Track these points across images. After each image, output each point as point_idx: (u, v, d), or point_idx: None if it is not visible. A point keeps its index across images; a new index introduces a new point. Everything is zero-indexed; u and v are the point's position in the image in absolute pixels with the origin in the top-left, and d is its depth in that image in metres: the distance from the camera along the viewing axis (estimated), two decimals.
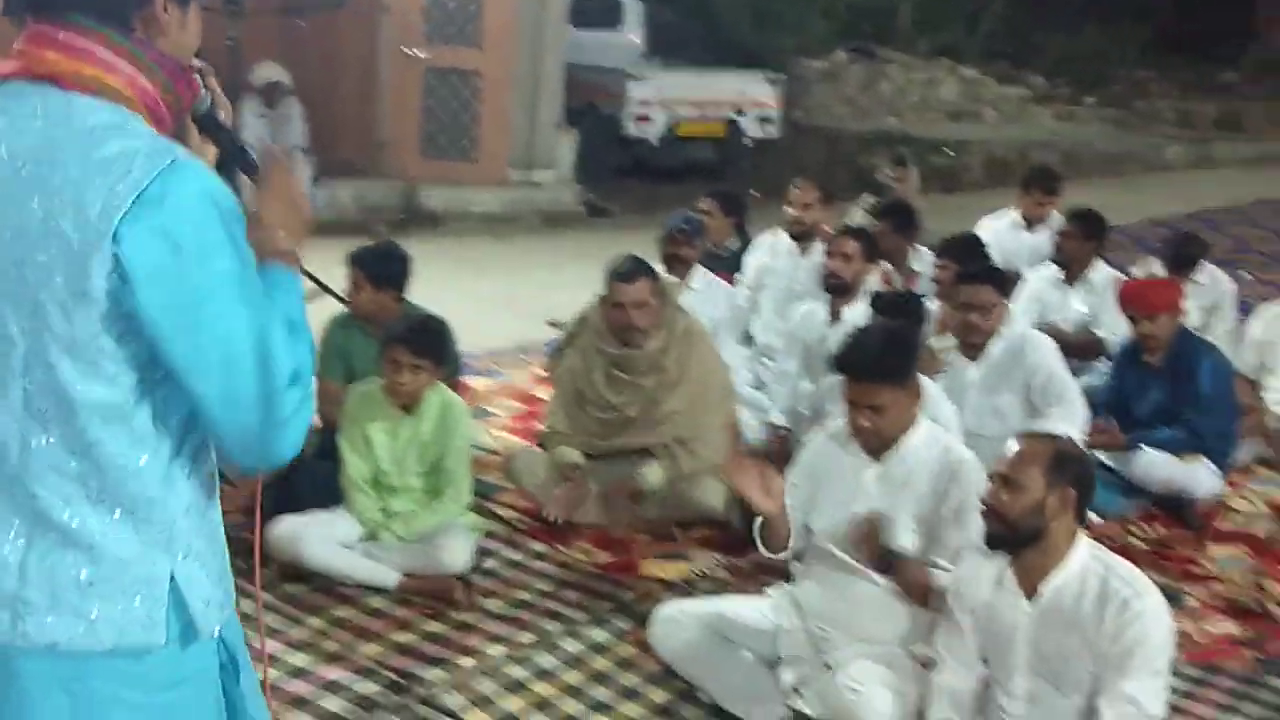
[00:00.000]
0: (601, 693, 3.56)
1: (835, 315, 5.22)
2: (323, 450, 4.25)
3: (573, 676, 3.63)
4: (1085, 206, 6.30)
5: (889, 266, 5.78)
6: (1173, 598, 2.93)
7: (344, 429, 4.16)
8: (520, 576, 4.26)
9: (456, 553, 4.07)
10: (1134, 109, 18.94)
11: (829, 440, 3.59)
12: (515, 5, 10.72)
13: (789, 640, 3.47)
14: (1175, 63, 20.18)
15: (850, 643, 3.38)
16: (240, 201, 1.67)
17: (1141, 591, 2.83)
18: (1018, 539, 2.89)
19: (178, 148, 1.63)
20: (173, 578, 1.66)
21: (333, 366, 4.55)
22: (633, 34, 14.11)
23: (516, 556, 4.41)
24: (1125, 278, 5.85)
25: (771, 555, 3.56)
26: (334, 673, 3.53)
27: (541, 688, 3.56)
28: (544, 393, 5.65)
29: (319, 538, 4.02)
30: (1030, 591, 2.92)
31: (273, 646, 3.57)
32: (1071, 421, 4.56)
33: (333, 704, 3.38)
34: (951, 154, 14.64)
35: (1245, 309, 6.61)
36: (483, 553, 4.32)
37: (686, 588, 4.19)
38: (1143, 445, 4.93)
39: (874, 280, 5.39)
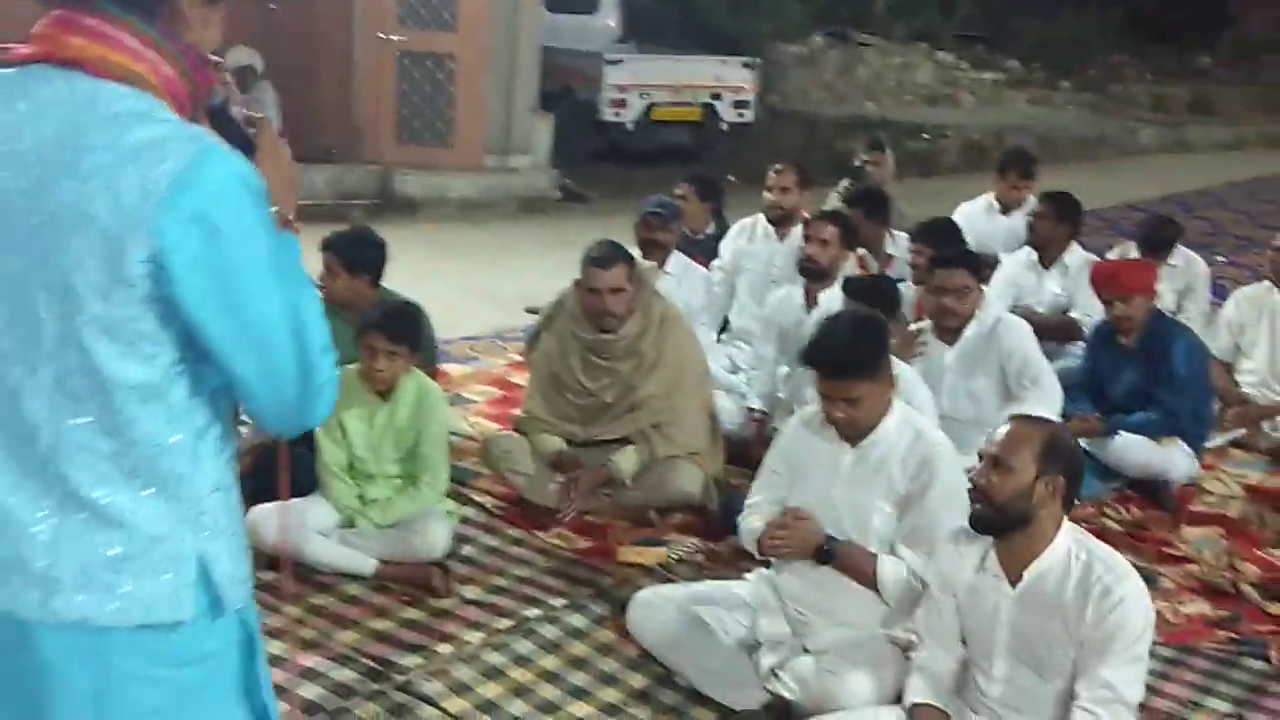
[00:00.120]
0: (580, 678, 3.56)
1: (812, 300, 5.21)
2: (300, 437, 4.23)
3: (551, 662, 3.63)
4: (1059, 190, 6.31)
5: (864, 251, 5.78)
6: (1148, 579, 2.94)
7: None
8: (498, 562, 4.26)
9: (434, 539, 4.06)
10: (1109, 93, 19.04)
11: (803, 427, 3.59)
12: None
13: (767, 624, 3.48)
14: (1150, 47, 20.27)
15: (829, 627, 3.39)
16: None
17: (1124, 578, 2.83)
18: (1004, 522, 2.89)
19: (206, 132, 1.65)
20: (200, 555, 1.70)
21: None
22: (609, 18, 14.07)
23: (494, 543, 4.40)
24: (1100, 261, 5.87)
25: (758, 556, 3.58)
26: (311, 660, 3.52)
27: (519, 673, 3.56)
28: (521, 379, 5.64)
29: (296, 525, 4.00)
30: (1013, 576, 2.92)
31: None
32: (1046, 405, 4.57)
33: (310, 691, 3.37)
34: (928, 138, 14.67)
35: (1218, 292, 6.66)
36: (460, 539, 4.31)
37: (664, 573, 4.20)
38: (1119, 430, 4.96)
39: (850, 265, 5.39)
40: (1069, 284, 5.94)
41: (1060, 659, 2.87)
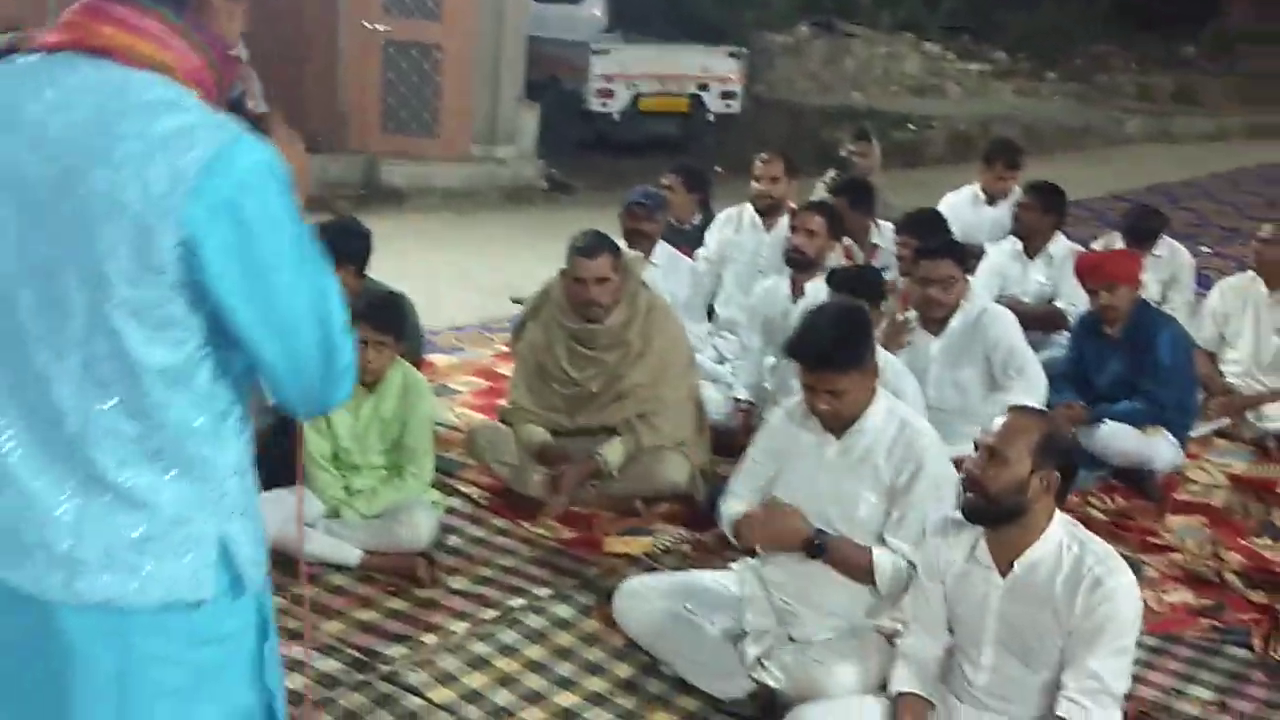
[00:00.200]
0: (565, 668, 3.56)
1: (798, 290, 5.21)
2: (282, 427, 4.21)
3: (536, 652, 3.63)
4: (1043, 180, 6.32)
5: (850, 242, 5.78)
6: (1132, 568, 2.94)
7: None
8: (483, 553, 4.25)
9: (419, 529, 4.05)
10: (1095, 83, 19.06)
11: (787, 418, 3.58)
12: None
13: (753, 614, 3.48)
14: (1136, 37, 20.30)
15: (814, 617, 3.39)
16: None
17: (1116, 570, 2.84)
18: (996, 514, 2.89)
19: (234, 121, 1.67)
20: (221, 536, 1.72)
21: None
22: (595, 7, 14.03)
23: (479, 533, 4.39)
24: (1085, 251, 5.88)
25: (739, 546, 3.58)
26: (296, 650, 3.51)
27: (505, 663, 3.56)
28: (507, 369, 5.62)
29: (279, 516, 3.98)
30: (1004, 566, 2.92)
31: None
32: (1031, 395, 4.58)
33: (295, 681, 3.35)
34: (914, 129, 14.68)
35: (1203, 282, 6.68)
36: (445, 529, 4.31)
37: (650, 563, 4.20)
38: (1104, 419, 4.97)
39: (836, 256, 5.39)
40: (1054, 274, 5.95)
41: (1048, 650, 2.87)
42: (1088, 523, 4.28)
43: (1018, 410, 3.02)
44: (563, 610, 3.87)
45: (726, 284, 6.20)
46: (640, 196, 5.76)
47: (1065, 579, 2.84)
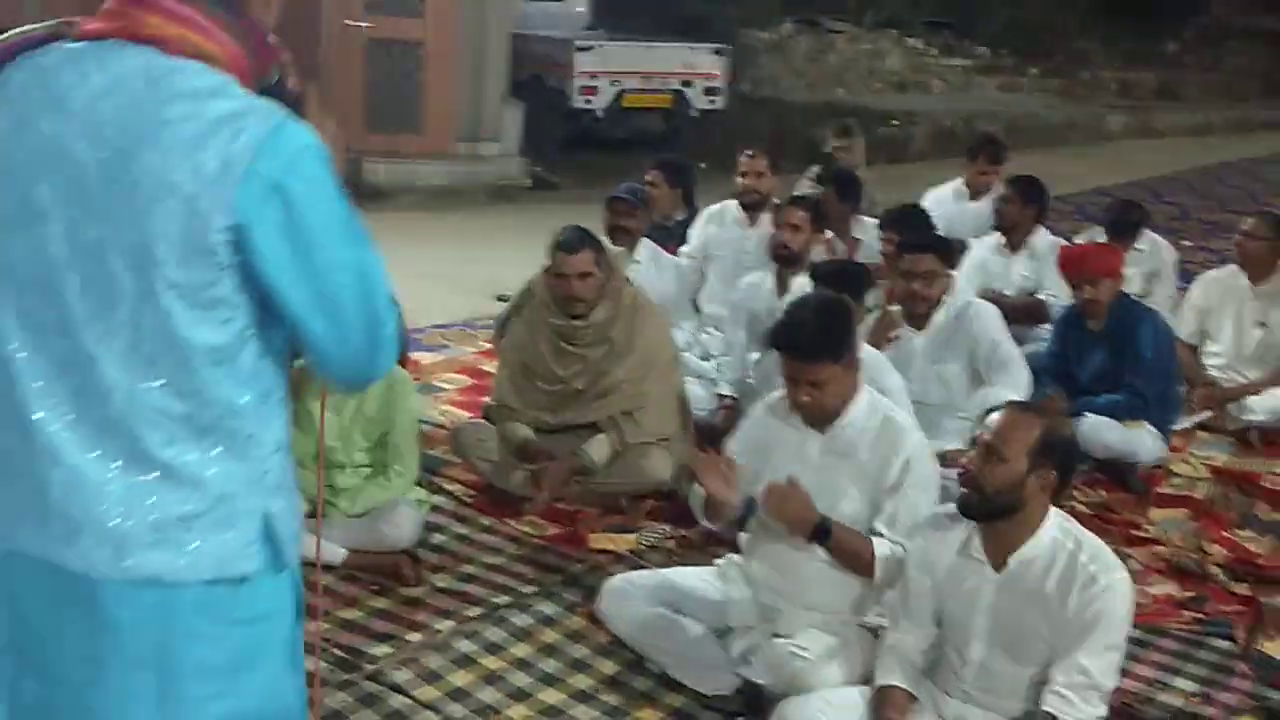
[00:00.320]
0: (551, 665, 3.56)
1: (783, 286, 5.21)
2: None
3: (522, 649, 3.63)
4: (1025, 174, 6.34)
5: (833, 235, 5.79)
6: None
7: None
8: (468, 550, 4.24)
9: (403, 528, 4.05)
10: (1077, 79, 19.10)
11: (769, 413, 3.58)
12: None
13: (738, 610, 3.48)
14: (1118, 33, 20.35)
15: (799, 612, 3.39)
16: None
17: (1110, 568, 2.85)
18: (992, 510, 2.89)
19: (278, 106, 1.71)
20: (264, 511, 1.76)
21: None
22: (578, 4, 14.00)
23: (464, 531, 4.39)
24: (1067, 245, 5.90)
25: (711, 527, 3.56)
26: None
27: (490, 661, 3.55)
28: (491, 366, 5.61)
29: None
30: (997, 561, 2.92)
31: None
32: (1016, 390, 4.59)
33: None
34: (898, 125, 14.69)
35: (1185, 277, 6.70)
36: (430, 527, 4.30)
37: (635, 559, 4.19)
38: (1086, 413, 4.98)
39: (819, 249, 5.39)
40: (1036, 266, 5.98)
41: (1038, 646, 2.87)
42: (1071, 515, 4.31)
43: (1016, 408, 3.01)
44: (548, 607, 3.86)
45: (711, 280, 6.20)
46: (623, 192, 5.76)
47: (1060, 576, 2.84)
